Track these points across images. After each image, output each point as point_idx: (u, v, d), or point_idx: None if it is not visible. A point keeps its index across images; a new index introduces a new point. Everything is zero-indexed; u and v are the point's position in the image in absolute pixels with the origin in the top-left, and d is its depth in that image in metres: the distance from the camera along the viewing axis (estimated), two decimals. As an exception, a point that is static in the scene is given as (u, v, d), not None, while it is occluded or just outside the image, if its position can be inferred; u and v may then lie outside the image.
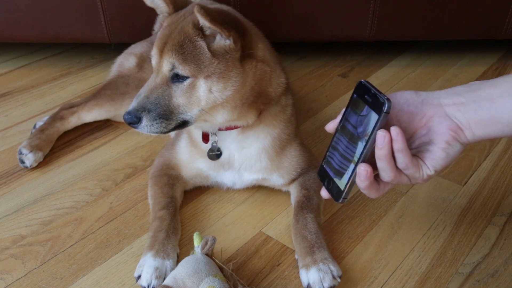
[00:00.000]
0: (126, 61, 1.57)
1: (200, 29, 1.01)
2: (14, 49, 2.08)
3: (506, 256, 1.11)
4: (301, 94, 1.79)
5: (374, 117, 0.76)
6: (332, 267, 1.02)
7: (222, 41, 1.01)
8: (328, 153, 0.87)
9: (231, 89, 1.04)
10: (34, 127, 1.53)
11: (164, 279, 1.00)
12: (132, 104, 1.03)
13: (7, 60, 2.01)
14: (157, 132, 1.05)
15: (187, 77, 1.01)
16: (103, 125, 1.58)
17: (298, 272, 1.06)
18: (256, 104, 1.11)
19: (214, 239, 1.02)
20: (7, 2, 1.74)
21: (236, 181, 1.23)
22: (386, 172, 0.79)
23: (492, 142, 1.51)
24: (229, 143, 1.17)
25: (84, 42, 2.08)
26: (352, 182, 0.81)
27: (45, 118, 1.53)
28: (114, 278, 1.06)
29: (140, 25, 1.72)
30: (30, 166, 1.38)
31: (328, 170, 0.86)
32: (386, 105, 0.74)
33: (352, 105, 0.82)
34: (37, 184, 1.34)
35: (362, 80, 0.82)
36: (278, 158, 1.20)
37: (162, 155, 1.29)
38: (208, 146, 1.18)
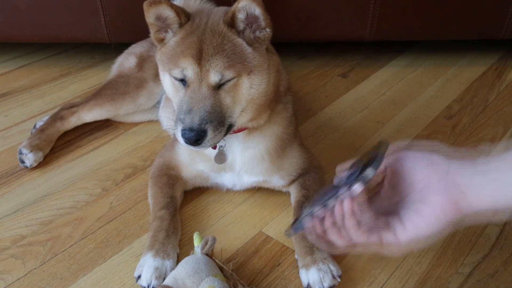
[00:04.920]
0: (126, 61, 1.57)
1: (232, 26, 1.01)
2: (14, 49, 2.08)
3: (506, 256, 1.11)
4: (301, 94, 1.79)
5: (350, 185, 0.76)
6: (331, 267, 1.02)
7: (257, 32, 1.01)
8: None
9: (265, 82, 1.05)
10: (34, 127, 1.53)
11: (164, 279, 1.00)
12: (187, 121, 0.97)
13: (7, 60, 2.01)
14: (217, 142, 1.02)
15: (232, 78, 1.00)
16: (103, 125, 1.58)
17: (298, 272, 1.06)
18: (271, 102, 1.11)
19: (214, 239, 1.02)
20: (7, 2, 1.74)
21: (236, 183, 1.23)
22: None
23: (492, 142, 1.51)
24: (234, 146, 1.17)
25: (84, 42, 2.08)
26: (300, 224, 0.81)
27: (45, 118, 1.53)
28: (114, 278, 1.06)
29: (140, 25, 1.71)
30: (30, 166, 1.37)
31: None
32: (355, 185, 0.75)
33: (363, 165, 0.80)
34: (37, 184, 1.34)
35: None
36: (279, 159, 1.20)
37: (162, 156, 1.29)
38: (210, 149, 1.16)
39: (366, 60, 2.05)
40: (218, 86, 1.00)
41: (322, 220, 0.79)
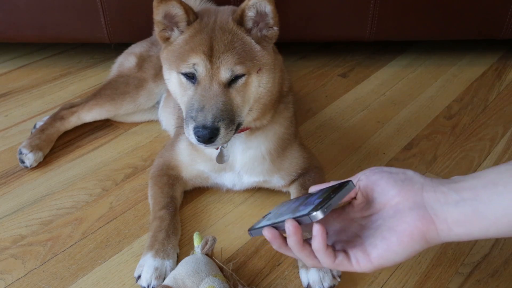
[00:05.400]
0: (126, 61, 1.57)
1: (241, 24, 1.01)
2: (14, 49, 2.08)
3: (506, 256, 1.12)
4: (301, 94, 1.79)
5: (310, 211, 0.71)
6: (332, 267, 1.02)
7: (265, 30, 1.02)
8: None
9: (271, 81, 1.05)
10: (34, 127, 1.53)
11: (164, 279, 1.00)
12: (200, 119, 0.96)
13: (7, 60, 2.01)
14: (228, 141, 1.01)
15: (242, 76, 1.00)
16: (103, 125, 1.58)
17: (298, 272, 1.06)
18: (275, 101, 1.11)
19: (214, 239, 1.02)
20: (7, 2, 1.74)
21: (236, 183, 1.23)
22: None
23: (492, 142, 1.51)
24: (236, 146, 1.17)
25: (84, 42, 2.08)
26: (259, 230, 0.79)
27: (45, 118, 1.53)
28: (114, 278, 1.06)
29: (140, 25, 1.72)
30: (30, 166, 1.37)
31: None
32: (312, 215, 0.70)
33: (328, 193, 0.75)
34: (37, 184, 1.34)
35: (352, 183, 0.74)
36: (279, 159, 1.20)
37: (162, 156, 1.29)
38: (211, 149, 1.16)
39: (366, 60, 2.05)
40: (229, 84, 1.00)
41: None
